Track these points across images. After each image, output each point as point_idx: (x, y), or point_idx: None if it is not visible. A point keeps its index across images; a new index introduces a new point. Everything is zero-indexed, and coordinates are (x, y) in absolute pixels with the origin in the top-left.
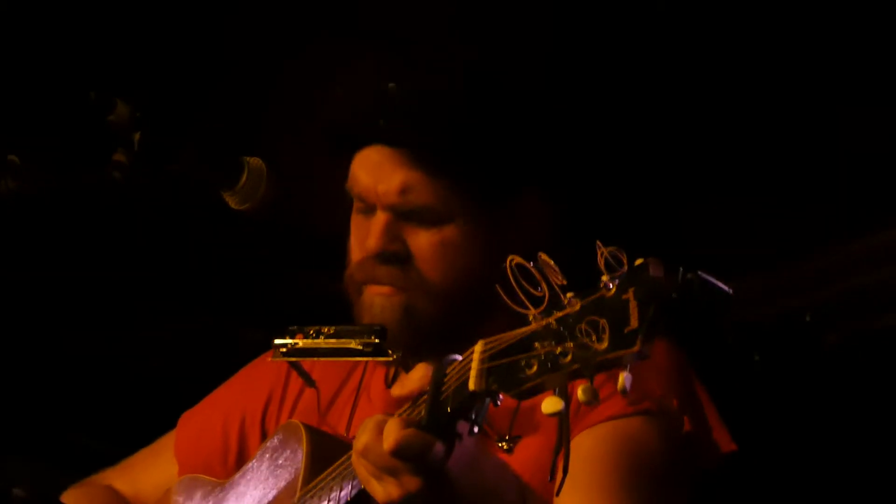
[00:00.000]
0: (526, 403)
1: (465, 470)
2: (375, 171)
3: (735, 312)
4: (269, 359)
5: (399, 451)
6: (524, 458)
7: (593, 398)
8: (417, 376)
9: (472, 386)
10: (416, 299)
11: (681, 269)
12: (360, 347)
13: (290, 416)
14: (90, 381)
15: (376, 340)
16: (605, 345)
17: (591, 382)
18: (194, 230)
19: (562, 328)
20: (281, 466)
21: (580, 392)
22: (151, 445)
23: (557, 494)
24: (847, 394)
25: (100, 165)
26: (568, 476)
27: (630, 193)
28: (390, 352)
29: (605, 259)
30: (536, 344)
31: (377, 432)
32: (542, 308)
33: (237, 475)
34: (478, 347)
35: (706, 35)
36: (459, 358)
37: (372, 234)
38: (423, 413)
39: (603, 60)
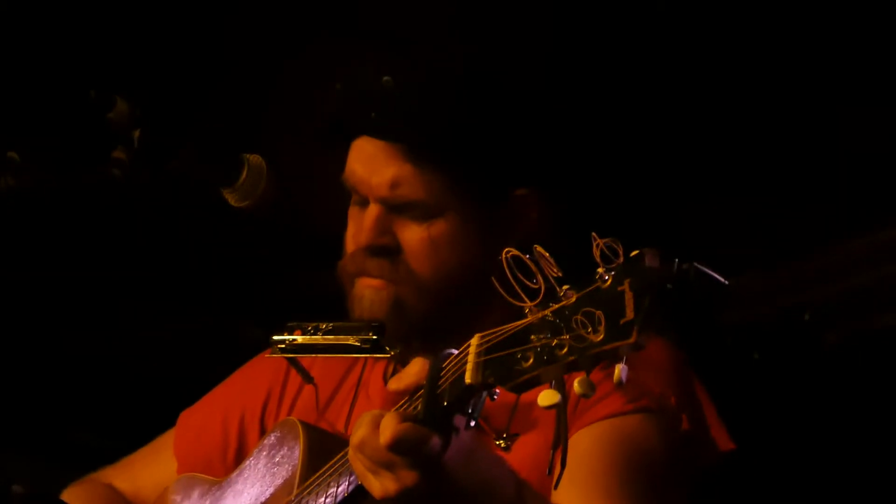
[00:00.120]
0: (524, 401)
1: (462, 463)
2: (369, 164)
3: (734, 311)
4: (268, 355)
5: (396, 446)
6: (522, 455)
7: (589, 390)
8: (414, 370)
9: (468, 379)
10: (405, 293)
11: (676, 259)
12: (358, 344)
13: (289, 413)
14: (89, 379)
15: (374, 337)
16: (601, 336)
17: (588, 374)
18: (194, 228)
19: (558, 320)
20: (278, 464)
21: (576, 384)
22: (151, 444)
23: (555, 488)
24: (846, 393)
25: (99, 163)
26: (566, 473)
27: (628, 192)
28: (388, 348)
29: (601, 250)
30: (533, 336)
31: (373, 427)
32: (538, 301)
33: (234, 473)
34: (474, 341)
35: (706, 34)
36: (456, 352)
37: (363, 226)
38: (419, 407)
39: (600, 58)
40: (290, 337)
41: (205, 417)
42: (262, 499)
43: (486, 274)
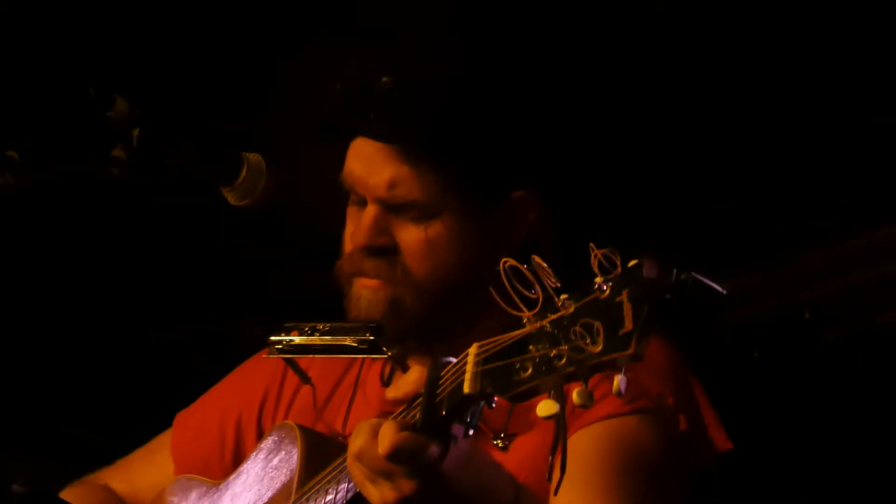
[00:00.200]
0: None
1: (461, 471)
2: (367, 164)
3: (734, 310)
4: (265, 356)
5: (394, 455)
6: (520, 456)
7: (588, 401)
8: (412, 378)
9: (466, 389)
10: (402, 293)
11: (674, 270)
12: (355, 344)
13: (287, 413)
14: (88, 379)
15: (371, 337)
16: (599, 347)
17: (586, 385)
18: (192, 227)
19: (556, 331)
20: (276, 468)
21: (575, 395)
22: (148, 444)
23: (555, 494)
24: (846, 391)
25: (99, 162)
26: (565, 474)
27: (626, 190)
28: (385, 348)
29: (599, 261)
30: (531, 346)
31: (372, 436)
32: (536, 310)
33: (232, 476)
34: (472, 350)
35: (705, 34)
36: (454, 360)
37: (361, 227)
38: (418, 416)
39: (599, 57)
40: (287, 338)
41: (201, 418)
42: (260, 503)
43: (484, 275)
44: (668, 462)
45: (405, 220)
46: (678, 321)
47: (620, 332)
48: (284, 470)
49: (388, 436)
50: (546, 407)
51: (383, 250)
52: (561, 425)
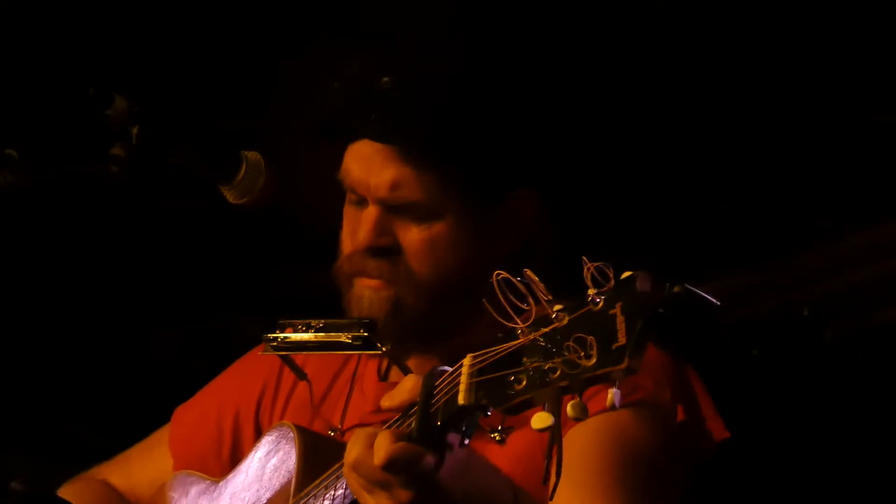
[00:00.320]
0: None
1: (457, 479)
2: (367, 164)
3: (733, 307)
4: (260, 353)
5: (390, 466)
6: (517, 449)
7: (583, 414)
8: (407, 387)
9: (461, 400)
10: (404, 293)
11: (668, 283)
12: (349, 341)
13: (284, 409)
14: (87, 377)
15: (365, 334)
16: (593, 361)
17: (581, 398)
18: (190, 225)
19: (549, 344)
20: (274, 469)
21: (569, 408)
22: (146, 440)
23: (551, 499)
24: (845, 389)
25: (98, 160)
26: (563, 470)
27: (626, 189)
28: (380, 345)
29: (591, 274)
30: (525, 359)
31: (367, 445)
32: (529, 322)
33: (230, 475)
34: (466, 361)
35: (705, 33)
36: (449, 370)
37: (363, 227)
38: (413, 425)
39: (599, 58)
40: (282, 335)
41: (199, 413)
42: None
43: (484, 274)
44: (666, 454)
45: (407, 220)
46: (672, 335)
47: (614, 346)
48: (282, 471)
49: (383, 446)
50: (540, 419)
51: (385, 251)
52: (556, 438)
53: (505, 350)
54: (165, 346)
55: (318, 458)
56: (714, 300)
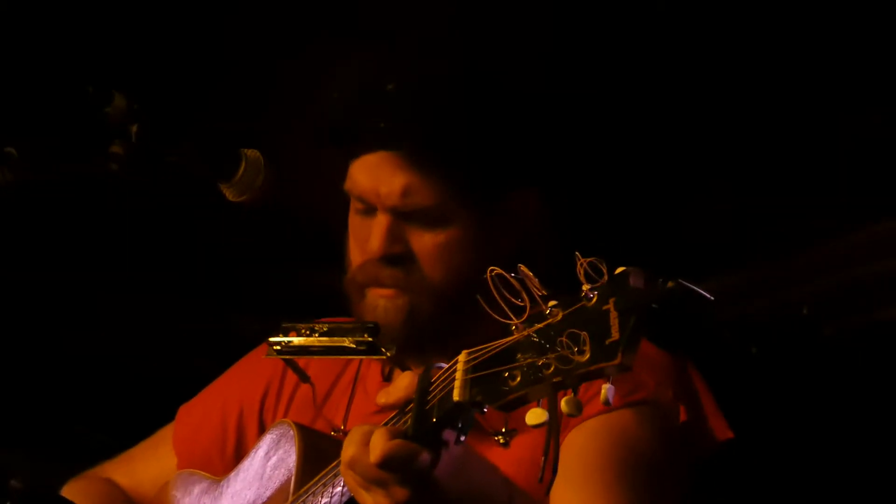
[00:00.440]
0: None
1: (453, 476)
2: (375, 173)
3: (732, 305)
4: (264, 357)
5: (385, 464)
6: (521, 452)
7: (576, 410)
8: (403, 384)
9: (456, 396)
10: (419, 300)
11: (660, 279)
12: (353, 346)
13: (288, 408)
14: (88, 375)
15: (370, 338)
16: (586, 357)
17: (575, 394)
18: (190, 223)
19: (543, 340)
20: (274, 467)
21: (563, 404)
22: (150, 438)
23: (547, 494)
24: (845, 386)
25: (97, 158)
26: (563, 471)
27: (625, 187)
28: (384, 349)
29: (585, 269)
30: (519, 355)
31: (363, 443)
32: (523, 318)
33: (232, 474)
34: (461, 357)
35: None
36: (444, 366)
37: (374, 236)
38: (409, 422)
39: (599, 58)
40: (286, 339)
41: (203, 412)
42: (259, 502)
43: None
44: (668, 454)
45: (418, 226)
46: (666, 330)
47: (607, 342)
48: (283, 470)
49: (378, 444)
50: (535, 416)
51: (399, 259)
52: (552, 433)
53: (500, 346)
54: (165, 346)
55: (317, 456)
56: (708, 295)
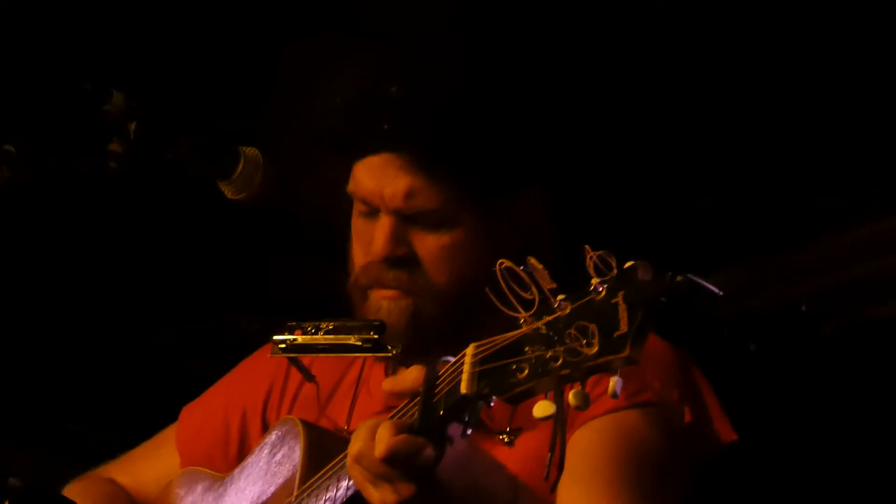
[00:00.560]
0: None
1: (458, 473)
2: (379, 175)
3: (731, 302)
4: (269, 355)
5: (391, 458)
6: (526, 451)
7: (584, 403)
8: (410, 377)
9: (464, 389)
10: (423, 302)
11: (669, 272)
12: (359, 343)
13: (291, 408)
14: (89, 374)
15: (375, 336)
16: (594, 349)
17: (583, 387)
18: (189, 221)
19: (551, 332)
20: (279, 463)
21: (571, 396)
22: (153, 438)
23: (552, 492)
24: (844, 383)
25: (95, 156)
26: (568, 470)
27: (626, 185)
28: (389, 347)
29: (594, 263)
30: (527, 348)
31: (370, 438)
32: (532, 311)
33: (236, 470)
34: (469, 350)
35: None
36: (452, 360)
37: (378, 238)
38: (416, 416)
39: (602, 59)
40: (291, 337)
41: (207, 411)
42: (264, 498)
43: (494, 275)
44: (672, 455)
45: (422, 228)
46: (674, 324)
47: (616, 335)
48: (287, 465)
49: (384, 439)
50: (542, 408)
51: (402, 261)
52: (558, 426)
53: (508, 339)
54: (168, 344)
55: (322, 452)
56: (716, 290)
